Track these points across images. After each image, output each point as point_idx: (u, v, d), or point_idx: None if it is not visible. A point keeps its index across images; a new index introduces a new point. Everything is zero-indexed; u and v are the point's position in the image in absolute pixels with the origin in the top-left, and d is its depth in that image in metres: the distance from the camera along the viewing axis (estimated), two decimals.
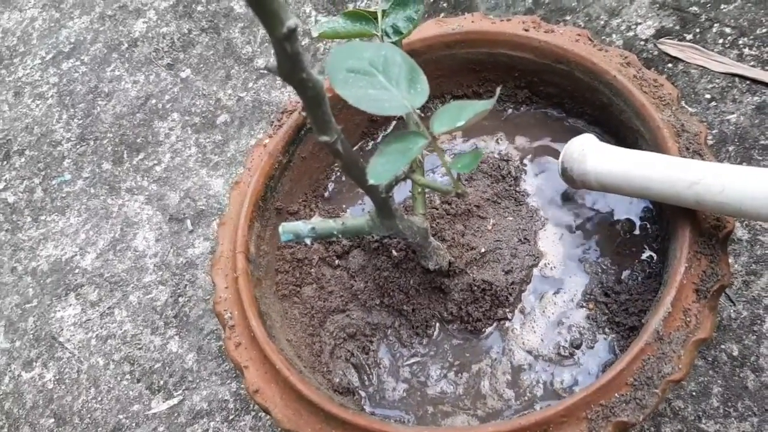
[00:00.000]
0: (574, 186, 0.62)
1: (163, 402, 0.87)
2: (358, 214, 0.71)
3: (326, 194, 0.73)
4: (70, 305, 0.97)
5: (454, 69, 0.71)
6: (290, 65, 0.35)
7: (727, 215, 0.56)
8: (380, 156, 0.42)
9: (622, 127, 0.64)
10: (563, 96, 0.69)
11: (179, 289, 0.94)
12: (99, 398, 0.89)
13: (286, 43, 0.33)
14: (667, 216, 0.60)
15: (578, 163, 0.61)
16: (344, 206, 0.72)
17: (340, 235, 0.54)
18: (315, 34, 0.53)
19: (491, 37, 0.67)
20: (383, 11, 0.52)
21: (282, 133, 0.68)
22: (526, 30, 0.66)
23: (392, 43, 0.54)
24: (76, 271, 0.99)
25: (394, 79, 0.43)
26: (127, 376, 0.90)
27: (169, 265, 0.96)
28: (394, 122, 0.75)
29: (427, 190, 0.62)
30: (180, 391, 0.88)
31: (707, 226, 0.56)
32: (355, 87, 0.42)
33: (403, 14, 0.51)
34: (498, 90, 0.44)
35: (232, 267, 0.63)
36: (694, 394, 0.74)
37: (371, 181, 0.41)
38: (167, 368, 0.89)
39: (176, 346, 0.91)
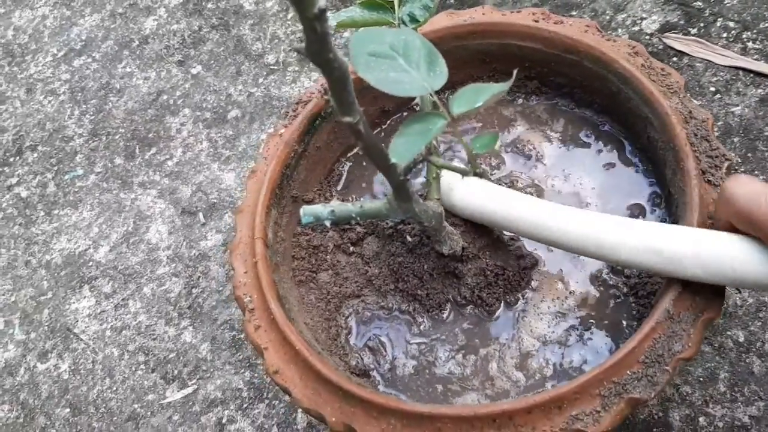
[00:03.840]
0: (453, 211, 0.66)
1: (178, 391, 0.89)
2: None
3: (339, 183, 0.75)
4: (85, 297, 0.98)
5: (465, 60, 0.72)
6: (318, 45, 0.36)
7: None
8: (401, 136, 0.43)
9: (631, 115, 0.66)
10: (573, 86, 0.71)
11: (192, 280, 0.96)
12: (114, 388, 0.91)
13: (316, 23, 0.34)
14: (676, 201, 0.61)
15: (446, 195, 0.65)
16: (356, 196, 0.74)
17: (358, 218, 0.55)
18: (333, 23, 0.54)
19: (502, 28, 0.69)
20: (400, 0, 0.54)
21: (297, 123, 0.69)
22: (536, 21, 0.68)
23: None
24: (90, 263, 1.00)
25: (414, 62, 0.44)
26: (142, 366, 0.91)
27: (182, 257, 0.98)
28: (405, 113, 0.76)
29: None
30: (194, 381, 0.89)
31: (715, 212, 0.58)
32: (377, 70, 0.44)
33: (419, 2, 0.53)
34: (515, 72, 0.45)
35: (251, 252, 0.64)
36: (701, 379, 0.75)
37: (393, 160, 0.42)
38: (181, 358, 0.91)
39: (190, 337, 0.92)
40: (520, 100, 0.74)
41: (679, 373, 0.76)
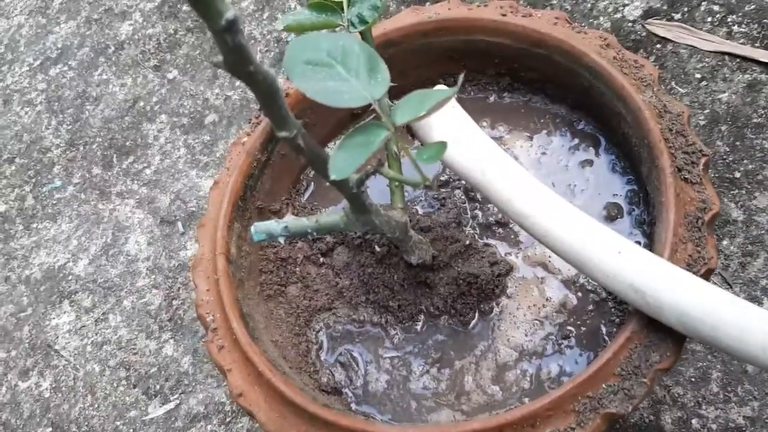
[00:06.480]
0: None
1: (160, 407, 0.87)
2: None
3: (307, 192, 0.72)
4: (65, 312, 0.96)
5: (433, 58, 0.69)
6: (234, 58, 0.33)
7: None
8: (342, 150, 0.40)
9: (605, 110, 0.63)
10: (545, 81, 0.67)
11: (173, 292, 0.94)
12: (96, 405, 0.89)
13: (226, 36, 0.32)
14: (653, 200, 0.58)
15: (425, 132, 0.58)
16: (324, 205, 0.71)
17: (314, 233, 0.53)
18: (280, 26, 0.52)
19: (468, 23, 0.66)
20: (349, 1, 0.51)
21: (260, 131, 0.67)
22: (504, 15, 0.65)
23: (359, 32, 0.52)
24: (70, 277, 0.98)
25: (353, 70, 0.41)
26: (123, 382, 0.89)
27: (161, 268, 0.95)
28: (374, 114, 0.74)
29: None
30: (176, 395, 0.87)
31: (692, 209, 0.55)
32: (313, 80, 0.41)
33: (368, 3, 0.50)
34: (461, 77, 0.42)
35: (212, 269, 0.62)
36: (693, 380, 0.72)
37: (333, 177, 0.39)
38: (163, 372, 0.89)
39: (171, 350, 0.90)
40: (492, 98, 0.70)
41: (670, 374, 0.73)
